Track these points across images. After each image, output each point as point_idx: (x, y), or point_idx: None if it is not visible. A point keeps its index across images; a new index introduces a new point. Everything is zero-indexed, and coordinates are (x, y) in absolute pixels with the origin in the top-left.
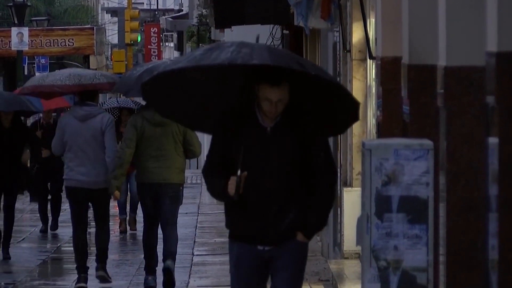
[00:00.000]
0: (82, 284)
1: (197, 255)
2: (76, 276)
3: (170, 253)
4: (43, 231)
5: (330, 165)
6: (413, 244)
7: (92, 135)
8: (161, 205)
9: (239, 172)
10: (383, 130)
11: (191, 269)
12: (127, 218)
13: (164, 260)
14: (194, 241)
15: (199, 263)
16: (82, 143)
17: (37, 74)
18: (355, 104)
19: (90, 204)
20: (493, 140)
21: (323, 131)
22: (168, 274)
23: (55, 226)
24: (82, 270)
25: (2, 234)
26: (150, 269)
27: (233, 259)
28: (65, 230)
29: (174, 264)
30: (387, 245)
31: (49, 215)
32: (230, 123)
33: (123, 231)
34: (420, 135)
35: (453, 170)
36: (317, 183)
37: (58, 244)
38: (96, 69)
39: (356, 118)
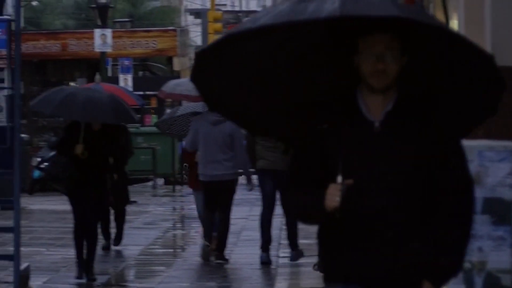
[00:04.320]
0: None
1: (282, 257)
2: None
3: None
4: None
5: (465, 181)
6: (497, 246)
7: (222, 137)
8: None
9: (340, 178)
10: None
11: (276, 270)
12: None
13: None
14: (279, 243)
15: (284, 265)
16: (213, 143)
17: (120, 76)
18: (492, 64)
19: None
20: None
21: (460, 121)
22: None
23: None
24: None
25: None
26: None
27: None
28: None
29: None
30: (472, 247)
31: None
32: (323, 118)
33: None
34: (503, 137)
35: None
36: (447, 207)
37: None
38: (179, 71)
39: (502, 85)
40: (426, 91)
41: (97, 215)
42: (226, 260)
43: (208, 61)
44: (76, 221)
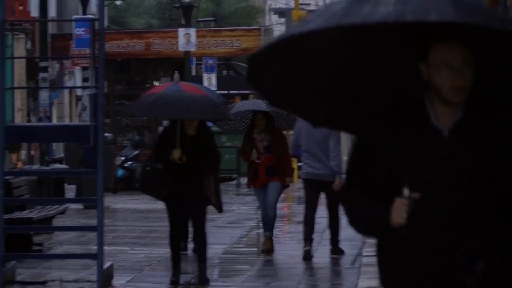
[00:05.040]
0: (308, 248)
1: (365, 255)
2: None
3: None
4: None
5: None
6: None
7: (322, 137)
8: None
9: (406, 191)
10: None
11: (359, 269)
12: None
13: None
14: (363, 242)
15: (368, 264)
16: (314, 144)
17: (204, 75)
18: None
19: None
20: None
21: None
22: None
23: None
24: (309, 243)
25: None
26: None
27: None
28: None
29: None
30: None
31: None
32: (387, 123)
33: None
34: None
35: None
36: None
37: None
38: None
39: None
40: (497, 98)
41: (201, 217)
42: (342, 252)
43: (261, 63)
44: (172, 227)
